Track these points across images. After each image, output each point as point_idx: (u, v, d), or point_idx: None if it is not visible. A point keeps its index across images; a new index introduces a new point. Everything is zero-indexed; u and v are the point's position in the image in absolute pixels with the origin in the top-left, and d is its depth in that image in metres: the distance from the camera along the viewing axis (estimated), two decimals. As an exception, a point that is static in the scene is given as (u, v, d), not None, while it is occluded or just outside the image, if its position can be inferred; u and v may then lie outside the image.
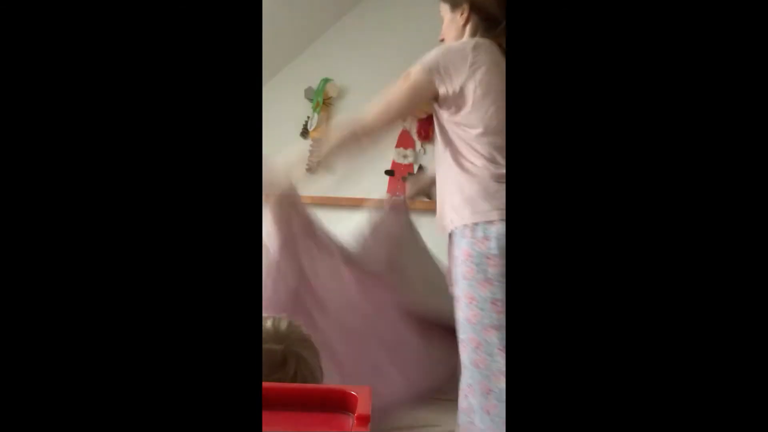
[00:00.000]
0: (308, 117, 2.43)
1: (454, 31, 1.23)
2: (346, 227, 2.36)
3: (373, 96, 2.37)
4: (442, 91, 1.07)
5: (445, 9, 1.27)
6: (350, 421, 0.56)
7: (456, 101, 1.07)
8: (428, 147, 2.29)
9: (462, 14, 1.21)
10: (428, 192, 2.20)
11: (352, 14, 2.51)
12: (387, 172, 2.30)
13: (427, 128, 2.28)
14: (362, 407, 0.55)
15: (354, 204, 2.33)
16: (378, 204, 1.35)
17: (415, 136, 2.31)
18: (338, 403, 0.58)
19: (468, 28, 1.21)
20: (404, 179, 2.27)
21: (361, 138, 1.13)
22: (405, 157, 2.31)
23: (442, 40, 1.30)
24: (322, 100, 2.41)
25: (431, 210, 2.24)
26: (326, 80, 2.43)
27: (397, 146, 2.32)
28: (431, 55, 1.11)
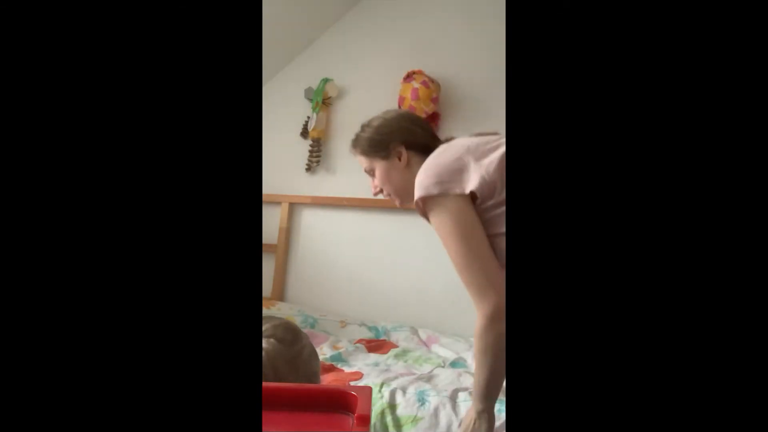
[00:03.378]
0: (308, 117, 2.43)
1: (397, 176, 1.16)
2: (346, 227, 2.38)
3: (372, 96, 2.39)
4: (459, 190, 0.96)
5: (371, 161, 1.19)
6: (350, 421, 0.56)
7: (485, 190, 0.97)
8: (428, 147, 2.29)
9: (400, 157, 1.15)
10: None
11: (352, 14, 2.51)
12: (387, 172, 2.30)
13: (427, 128, 2.28)
14: (362, 407, 0.55)
15: (354, 204, 2.34)
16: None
17: (415, 136, 2.31)
18: (338, 403, 0.58)
19: (411, 165, 1.14)
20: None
21: (493, 319, 0.91)
22: (405, 157, 2.31)
23: (380, 192, 1.21)
24: (322, 100, 2.41)
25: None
26: (326, 80, 2.43)
27: (397, 146, 2.32)
28: (422, 182, 0.99)
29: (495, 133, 1.10)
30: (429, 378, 1.42)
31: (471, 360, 1.66)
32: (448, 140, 1.14)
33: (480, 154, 0.98)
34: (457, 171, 0.97)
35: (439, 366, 1.61)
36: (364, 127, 1.22)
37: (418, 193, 0.99)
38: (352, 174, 2.38)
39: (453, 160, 0.99)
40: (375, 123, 1.21)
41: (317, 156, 2.41)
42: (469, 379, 1.40)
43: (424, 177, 0.99)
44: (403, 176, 1.15)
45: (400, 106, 2.26)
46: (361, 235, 2.34)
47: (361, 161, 1.21)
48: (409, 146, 1.15)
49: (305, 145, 2.44)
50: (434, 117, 2.29)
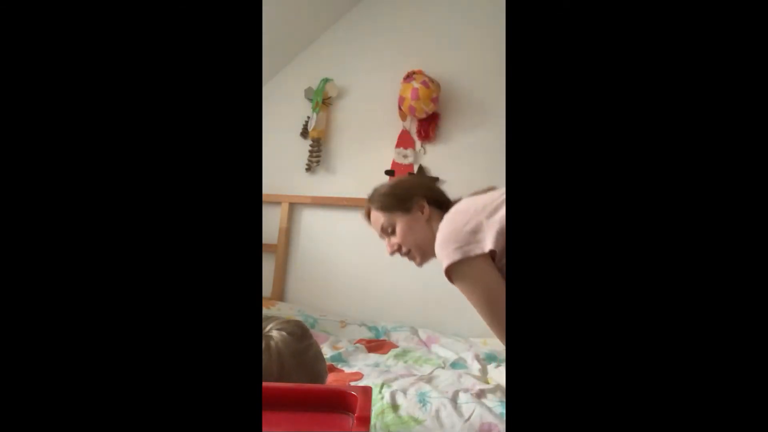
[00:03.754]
0: (308, 117, 2.43)
1: (420, 230, 1.19)
2: (346, 227, 2.38)
3: (372, 96, 2.39)
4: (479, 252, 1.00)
5: (390, 217, 1.21)
6: (350, 421, 0.56)
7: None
8: (428, 147, 2.30)
9: (423, 211, 1.19)
10: None
11: (352, 14, 2.51)
12: (387, 172, 2.31)
13: (427, 128, 2.28)
14: (362, 407, 0.55)
15: (354, 204, 2.34)
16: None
17: (415, 136, 2.32)
18: (338, 403, 0.58)
19: (432, 220, 1.18)
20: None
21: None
22: (405, 157, 2.31)
23: (396, 251, 1.23)
24: (322, 100, 2.41)
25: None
26: (326, 80, 2.44)
27: (397, 146, 2.32)
28: (445, 251, 1.02)
29: (492, 189, 1.15)
30: (429, 379, 1.42)
31: (471, 361, 1.66)
32: (456, 201, 1.18)
33: (490, 212, 1.03)
34: (473, 233, 1.01)
35: (439, 367, 1.61)
36: (378, 187, 1.26)
37: (444, 263, 1.02)
38: (352, 174, 2.38)
39: (465, 222, 1.03)
40: (390, 182, 1.26)
41: (317, 156, 2.41)
42: (470, 380, 1.40)
43: (444, 246, 1.03)
44: (425, 231, 1.18)
45: (400, 106, 2.27)
46: (361, 235, 2.34)
47: (378, 218, 1.23)
48: (430, 201, 1.20)
49: (305, 145, 2.44)
50: (434, 117, 2.29)
